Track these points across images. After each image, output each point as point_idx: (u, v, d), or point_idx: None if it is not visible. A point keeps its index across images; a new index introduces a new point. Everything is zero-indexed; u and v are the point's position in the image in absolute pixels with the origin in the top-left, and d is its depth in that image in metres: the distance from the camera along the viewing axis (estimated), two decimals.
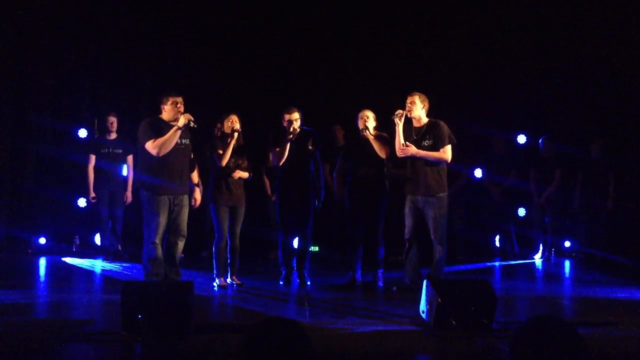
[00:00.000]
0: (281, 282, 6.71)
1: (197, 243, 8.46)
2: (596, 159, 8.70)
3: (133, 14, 9.05)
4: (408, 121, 6.26)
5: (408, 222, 6.31)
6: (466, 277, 7.39)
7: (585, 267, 8.35)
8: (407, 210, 6.32)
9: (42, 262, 8.31)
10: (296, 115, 6.53)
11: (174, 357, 4.24)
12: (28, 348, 4.25)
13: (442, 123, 6.23)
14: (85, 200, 8.71)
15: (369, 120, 6.54)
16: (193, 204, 6.31)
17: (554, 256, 8.91)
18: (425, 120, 6.29)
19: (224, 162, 6.35)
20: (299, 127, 6.58)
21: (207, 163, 6.65)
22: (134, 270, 7.39)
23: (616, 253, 8.30)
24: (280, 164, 6.55)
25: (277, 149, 6.53)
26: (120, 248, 8.42)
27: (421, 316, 4.91)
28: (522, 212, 9.04)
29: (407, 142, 6.19)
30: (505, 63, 9.20)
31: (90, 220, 8.85)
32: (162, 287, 5.00)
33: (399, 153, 6.22)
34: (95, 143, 8.51)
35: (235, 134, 6.36)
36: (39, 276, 7.68)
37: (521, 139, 9.30)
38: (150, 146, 5.79)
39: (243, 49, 9.23)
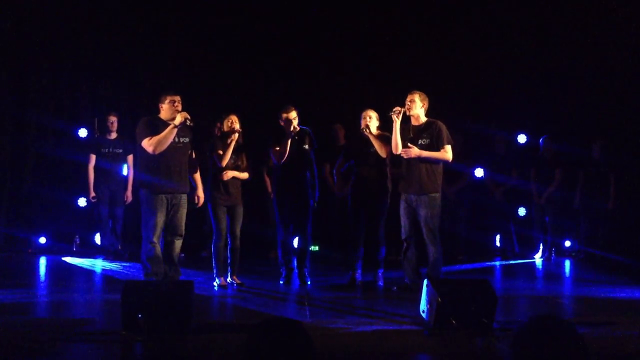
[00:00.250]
0: (281, 282, 6.71)
1: (197, 243, 8.47)
2: (597, 159, 8.70)
3: (134, 14, 9.05)
4: (406, 119, 6.27)
5: (404, 221, 6.32)
6: (466, 276, 7.39)
7: (586, 266, 8.35)
8: (402, 210, 6.33)
9: (42, 261, 8.31)
10: (294, 114, 6.53)
11: (174, 356, 4.24)
12: (28, 348, 4.25)
13: (440, 123, 6.24)
14: (85, 199, 8.71)
15: (372, 120, 6.54)
16: (196, 202, 6.30)
17: (554, 256, 8.91)
18: (423, 119, 6.30)
19: (224, 162, 6.34)
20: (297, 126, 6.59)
21: (207, 163, 6.65)
22: (134, 270, 7.39)
23: (616, 253, 8.30)
24: (282, 162, 6.55)
25: (277, 148, 6.54)
26: (120, 247, 8.42)
27: (421, 316, 4.91)
28: (522, 211, 9.03)
29: (408, 144, 6.19)
30: (505, 63, 9.19)
31: (90, 219, 8.86)
32: (162, 287, 5.00)
33: (402, 154, 6.21)
34: (95, 143, 8.51)
35: (235, 135, 6.35)
36: (39, 276, 7.68)
37: (521, 138, 9.29)
38: (147, 144, 5.81)
39: (243, 48, 9.22)
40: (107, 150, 8.34)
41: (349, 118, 7.35)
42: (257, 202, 8.20)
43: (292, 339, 2.20)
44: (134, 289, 4.69)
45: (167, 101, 5.97)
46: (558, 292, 6.97)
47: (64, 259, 8.35)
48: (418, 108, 6.24)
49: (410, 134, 6.26)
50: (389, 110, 6.20)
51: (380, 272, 6.68)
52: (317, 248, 8.79)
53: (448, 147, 6.19)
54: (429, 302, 4.76)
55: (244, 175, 6.53)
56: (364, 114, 6.57)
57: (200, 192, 6.35)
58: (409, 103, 6.22)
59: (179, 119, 5.81)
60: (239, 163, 6.48)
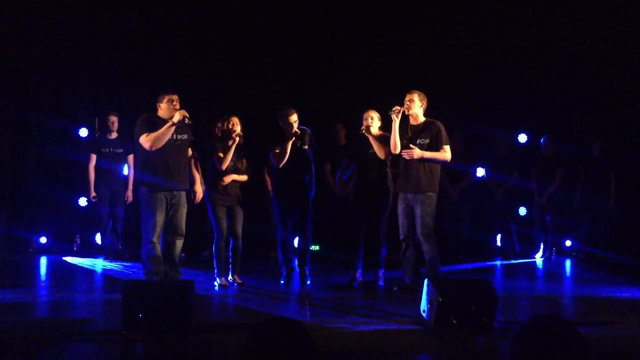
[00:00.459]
0: (282, 282, 6.71)
1: (198, 242, 8.47)
2: (597, 159, 8.70)
3: (134, 13, 9.04)
4: (405, 119, 6.27)
5: (402, 221, 6.33)
6: (467, 276, 7.39)
7: (586, 266, 8.35)
8: (400, 209, 6.34)
9: (43, 261, 8.31)
10: (294, 117, 6.54)
11: (174, 356, 4.24)
12: (29, 347, 4.25)
13: (439, 123, 6.25)
14: (86, 199, 8.71)
15: (374, 121, 6.53)
16: (193, 197, 6.29)
17: (555, 255, 8.92)
18: (422, 119, 6.30)
19: (224, 166, 6.34)
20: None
21: (207, 162, 6.64)
22: (135, 270, 7.39)
23: (617, 252, 8.30)
24: (280, 166, 6.55)
25: (277, 151, 6.54)
26: (120, 247, 8.43)
27: (422, 315, 4.91)
28: (523, 211, 9.03)
29: (410, 145, 6.19)
30: (506, 62, 9.19)
31: (91, 219, 8.86)
32: (163, 287, 5.00)
33: (404, 154, 6.21)
34: (96, 142, 8.51)
35: (236, 139, 6.34)
36: (39, 275, 7.68)
37: (522, 138, 9.29)
38: (144, 140, 5.82)
39: (243, 48, 9.22)
40: (107, 150, 8.34)
41: (350, 118, 7.35)
42: (258, 201, 8.20)
43: (293, 339, 2.20)
44: (135, 288, 4.69)
45: (165, 100, 5.98)
46: (559, 292, 6.97)
47: (64, 258, 8.35)
48: (417, 107, 6.24)
49: (409, 133, 6.26)
50: (389, 110, 6.20)
51: (380, 272, 6.68)
52: (317, 248, 8.79)
53: (447, 147, 6.22)
54: (429, 301, 4.76)
55: (243, 177, 6.52)
56: (365, 114, 6.57)
57: (198, 187, 6.34)
58: (408, 102, 6.23)
59: (177, 116, 5.82)
60: (239, 165, 6.48)
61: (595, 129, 8.97)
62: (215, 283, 6.46)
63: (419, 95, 6.25)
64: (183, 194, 6.05)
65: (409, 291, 6.16)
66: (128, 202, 8.32)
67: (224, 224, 6.41)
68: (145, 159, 5.93)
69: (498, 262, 8.55)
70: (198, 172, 6.46)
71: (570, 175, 8.82)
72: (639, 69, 8.62)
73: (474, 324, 4.63)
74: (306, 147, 6.64)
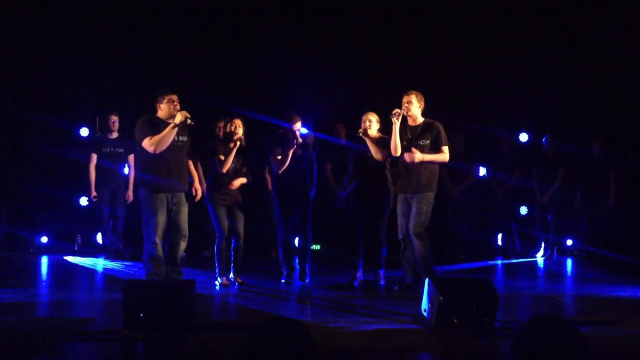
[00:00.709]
0: (283, 281, 6.72)
1: (199, 242, 8.47)
2: (596, 157, 8.70)
3: (135, 13, 9.04)
4: (403, 119, 6.27)
5: (400, 221, 6.34)
6: (468, 275, 7.39)
7: (587, 265, 8.34)
8: (399, 210, 6.34)
9: (44, 261, 8.32)
10: (299, 125, 6.56)
11: (175, 355, 4.24)
12: (30, 347, 4.25)
13: (438, 124, 6.26)
14: (86, 199, 8.71)
15: (372, 124, 6.52)
16: (194, 194, 6.28)
17: (556, 255, 8.91)
18: (421, 119, 6.30)
19: (225, 169, 6.33)
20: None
21: (208, 163, 6.64)
22: (136, 269, 7.39)
23: (618, 251, 8.30)
24: (281, 172, 6.55)
25: (279, 157, 6.54)
26: (121, 247, 8.43)
27: (423, 315, 4.91)
28: (524, 210, 9.03)
29: (411, 149, 6.18)
30: (506, 61, 9.19)
31: (91, 219, 8.86)
32: (164, 286, 5.00)
33: (406, 158, 6.21)
34: (96, 142, 8.51)
35: (238, 143, 6.33)
36: (40, 275, 7.69)
37: (523, 137, 9.29)
38: (147, 143, 5.80)
39: (244, 48, 9.22)
40: (108, 149, 8.34)
41: (351, 118, 7.35)
42: (258, 201, 8.20)
43: (294, 338, 2.20)
44: (136, 288, 4.69)
45: (165, 100, 5.96)
46: (560, 291, 6.96)
47: (65, 258, 8.36)
48: (415, 109, 6.26)
49: (408, 134, 6.26)
50: (390, 111, 6.20)
51: (381, 272, 6.68)
52: (318, 247, 8.79)
53: (446, 148, 6.24)
54: (430, 301, 4.76)
55: (243, 180, 6.52)
56: (364, 117, 6.56)
57: (197, 185, 6.33)
58: (406, 104, 6.24)
59: (179, 117, 5.80)
60: (239, 167, 6.47)
61: (595, 128, 8.97)
62: (217, 282, 6.46)
63: (416, 96, 6.25)
64: (184, 195, 6.05)
65: (410, 290, 6.16)
66: (129, 201, 8.31)
67: (225, 224, 6.41)
68: (146, 160, 5.91)
69: (499, 262, 8.54)
70: (197, 172, 6.45)
71: (571, 174, 8.82)
72: (639, 68, 8.62)
73: (475, 324, 4.63)
74: (306, 150, 6.65)
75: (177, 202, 5.98)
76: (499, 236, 9.05)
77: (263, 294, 6.23)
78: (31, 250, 8.83)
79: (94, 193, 8.31)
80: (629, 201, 8.63)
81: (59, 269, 7.86)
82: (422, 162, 6.18)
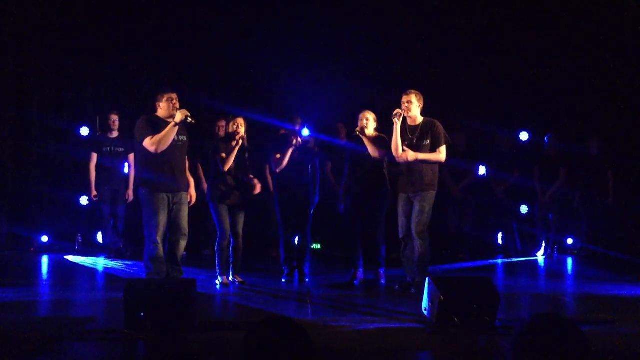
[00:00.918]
0: (283, 280, 6.72)
1: (200, 241, 8.47)
2: (594, 156, 8.71)
3: (136, 12, 9.05)
4: (402, 120, 6.25)
5: (401, 220, 6.32)
6: (469, 274, 7.39)
7: (588, 264, 8.34)
8: (400, 209, 6.33)
9: (45, 260, 8.32)
10: (297, 121, 6.56)
11: (176, 354, 4.23)
12: (31, 346, 4.25)
13: (438, 123, 6.25)
14: (87, 198, 8.71)
15: (369, 122, 6.52)
16: (188, 200, 6.29)
17: (557, 253, 8.91)
18: (420, 119, 6.29)
19: (227, 167, 6.33)
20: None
21: (209, 162, 6.64)
22: (136, 268, 7.40)
23: (619, 250, 8.30)
24: (279, 171, 6.55)
25: (278, 156, 6.54)
26: (122, 246, 8.43)
27: (423, 314, 4.91)
28: (524, 209, 9.03)
29: (404, 148, 6.18)
30: (507, 60, 9.18)
31: (92, 218, 8.87)
32: (165, 285, 5.00)
33: (397, 158, 6.20)
34: (97, 141, 8.51)
35: (240, 141, 6.33)
36: (41, 274, 7.69)
37: (524, 136, 9.28)
38: (148, 143, 5.79)
39: (245, 47, 9.22)
40: (108, 148, 8.34)
41: (352, 117, 7.36)
42: (259, 200, 8.20)
43: (290, 338, 2.20)
44: (137, 287, 4.69)
45: (164, 99, 5.95)
46: (560, 290, 6.96)
47: (66, 257, 8.36)
48: (415, 108, 6.25)
49: (409, 134, 6.25)
50: (389, 109, 6.19)
51: (382, 271, 6.68)
52: (319, 246, 8.79)
53: (443, 148, 6.23)
54: (431, 300, 4.76)
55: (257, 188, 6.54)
56: (361, 115, 6.56)
57: (192, 191, 6.34)
58: (406, 104, 6.22)
59: (179, 116, 5.79)
60: (242, 165, 6.47)
61: (595, 127, 8.98)
62: (217, 282, 6.47)
63: (416, 96, 6.24)
64: (184, 194, 6.05)
65: (411, 289, 6.15)
66: (129, 200, 8.31)
67: (227, 223, 6.41)
68: (146, 160, 5.91)
69: (500, 261, 8.54)
70: (194, 175, 6.45)
71: (571, 173, 8.82)
72: (638, 67, 8.63)
73: (476, 322, 4.63)
74: (308, 152, 6.65)
75: (178, 201, 5.98)
76: (500, 235, 9.05)
77: (264, 293, 6.23)
78: (32, 249, 8.84)
79: (94, 192, 8.32)
80: (627, 200, 8.63)
81: (60, 268, 7.86)
82: (424, 161, 6.17)
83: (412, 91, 6.25)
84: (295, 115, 6.68)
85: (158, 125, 5.85)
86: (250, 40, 9.20)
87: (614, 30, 8.73)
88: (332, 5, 9.16)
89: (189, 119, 5.82)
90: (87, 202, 8.79)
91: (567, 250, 9.06)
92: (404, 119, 6.27)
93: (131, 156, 8.23)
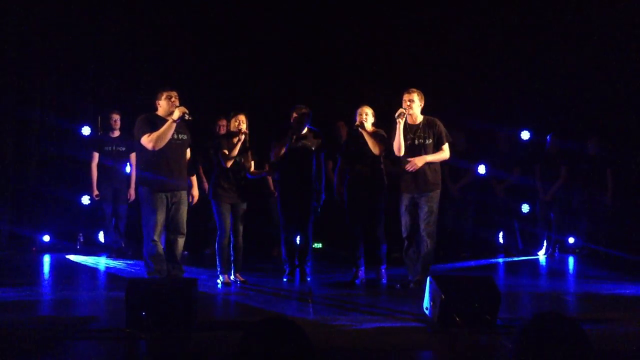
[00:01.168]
0: (285, 279, 6.72)
1: (200, 240, 8.48)
2: (593, 155, 8.71)
3: (137, 11, 9.05)
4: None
5: (405, 219, 6.32)
6: (470, 273, 7.39)
7: (590, 263, 8.34)
8: (403, 208, 6.33)
9: (46, 259, 8.33)
10: (304, 111, 6.55)
11: (177, 354, 4.24)
12: (32, 345, 4.25)
13: (439, 121, 6.25)
14: (88, 197, 8.72)
15: (368, 117, 6.52)
16: (190, 200, 6.30)
17: (558, 252, 8.91)
18: (420, 117, 6.29)
19: (229, 164, 6.33)
20: (307, 127, 6.60)
21: (210, 160, 6.64)
22: (138, 268, 7.40)
23: (620, 249, 8.29)
24: (275, 159, 6.57)
25: (278, 143, 6.54)
26: (123, 245, 8.44)
27: (425, 313, 4.91)
28: (525, 208, 9.02)
29: (408, 159, 6.16)
30: (508, 59, 9.18)
31: (93, 217, 8.88)
32: (166, 284, 5.00)
33: (408, 168, 6.19)
34: (98, 140, 8.52)
35: (242, 137, 6.34)
36: (43, 274, 7.69)
37: (525, 135, 9.28)
38: (146, 140, 5.80)
39: (245, 47, 9.22)
40: (110, 148, 8.35)
41: (352, 116, 7.36)
42: (260, 199, 8.21)
43: (287, 337, 2.20)
44: (138, 286, 4.69)
45: (163, 97, 5.96)
46: (562, 289, 6.95)
47: (67, 256, 8.37)
48: (417, 107, 6.25)
49: (409, 133, 6.24)
50: (390, 109, 6.19)
51: (383, 268, 6.67)
52: (320, 245, 8.79)
53: (446, 146, 6.26)
54: (432, 299, 4.76)
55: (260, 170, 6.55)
56: (359, 110, 6.55)
57: (195, 191, 6.34)
58: (408, 102, 6.22)
59: (177, 113, 5.79)
60: (244, 162, 6.48)
61: (593, 126, 8.98)
62: (218, 281, 6.47)
63: (418, 95, 6.24)
64: (184, 193, 6.05)
65: (412, 289, 6.15)
66: (130, 200, 8.32)
67: (228, 222, 6.41)
68: (146, 159, 5.91)
69: (501, 260, 8.54)
70: (196, 174, 6.44)
71: (572, 172, 8.82)
72: (637, 67, 8.63)
73: (477, 322, 4.63)
74: (313, 147, 6.64)
75: (177, 200, 5.98)
76: (501, 234, 9.04)
77: (265, 292, 6.23)
78: (33, 249, 8.85)
79: (96, 192, 8.33)
80: (626, 198, 8.63)
81: (61, 267, 7.87)
82: (427, 162, 6.19)
83: (415, 90, 6.25)
84: (302, 105, 6.67)
85: (157, 124, 5.85)
86: (250, 39, 9.20)
87: (615, 27, 8.73)
88: (333, 3, 9.16)
89: (187, 116, 5.82)
90: (89, 202, 8.80)
91: (568, 249, 9.05)
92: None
93: (133, 155, 8.23)
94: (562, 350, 2.16)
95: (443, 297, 4.60)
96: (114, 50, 9.16)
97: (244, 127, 6.38)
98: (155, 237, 5.87)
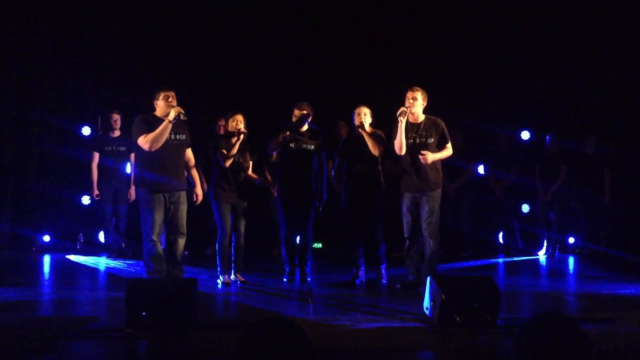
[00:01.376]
0: (285, 279, 6.72)
1: (201, 240, 8.48)
2: (590, 155, 8.71)
3: (137, 11, 9.05)
4: None
5: (407, 219, 6.30)
6: (470, 273, 7.39)
7: (590, 263, 8.34)
8: (404, 208, 6.31)
9: (47, 259, 8.33)
10: (305, 110, 6.55)
11: (177, 354, 4.24)
12: (32, 345, 4.26)
13: (440, 120, 6.25)
14: (89, 197, 8.72)
15: (366, 117, 6.51)
16: (195, 199, 6.30)
17: (558, 252, 8.91)
18: (422, 116, 6.27)
19: (228, 163, 6.33)
20: (308, 125, 6.60)
21: (209, 160, 6.65)
22: (138, 268, 7.40)
23: (620, 249, 8.30)
24: (270, 152, 6.60)
25: (274, 138, 6.55)
26: (124, 245, 8.44)
27: (425, 313, 4.91)
28: (525, 208, 9.02)
29: (422, 152, 6.14)
30: (508, 59, 9.18)
31: (94, 217, 8.87)
32: (166, 284, 5.00)
33: (422, 161, 6.17)
34: (98, 141, 8.52)
35: (241, 136, 6.34)
36: (43, 274, 7.70)
37: (525, 135, 9.28)
38: (143, 141, 5.80)
39: (245, 47, 9.22)
40: (110, 148, 8.35)
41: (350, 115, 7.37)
42: (260, 199, 8.21)
43: (286, 338, 2.19)
44: (138, 286, 4.69)
45: (161, 97, 5.95)
46: (562, 289, 6.96)
47: (68, 257, 8.37)
48: (419, 106, 6.23)
49: (411, 132, 6.23)
50: (390, 108, 6.18)
51: (383, 268, 6.67)
52: (320, 245, 8.79)
53: (449, 145, 6.25)
54: (432, 299, 4.76)
55: (254, 176, 6.56)
56: (357, 110, 6.54)
57: (199, 190, 6.34)
58: (411, 100, 6.19)
59: (172, 114, 5.79)
60: (243, 162, 6.48)
61: (593, 125, 8.98)
62: (219, 281, 6.47)
63: (421, 93, 6.21)
64: (182, 193, 6.04)
65: (412, 289, 6.15)
66: (131, 200, 8.32)
67: (229, 222, 6.42)
68: (143, 160, 5.91)
69: (501, 260, 8.54)
70: (196, 172, 6.45)
71: (572, 171, 8.82)
72: (637, 66, 8.63)
73: (477, 321, 4.63)
74: (312, 147, 6.63)
75: (175, 200, 5.98)
76: (501, 234, 9.04)
77: (265, 292, 6.23)
78: (34, 249, 8.84)
79: (96, 192, 8.33)
80: (623, 198, 8.63)
81: (62, 267, 7.87)
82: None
83: (418, 88, 6.22)
84: (304, 102, 6.67)
85: (154, 124, 5.85)
86: (250, 39, 9.19)
87: (614, 27, 8.73)
88: (333, 3, 9.16)
89: (182, 116, 5.82)
90: (89, 202, 8.80)
91: (568, 249, 9.05)
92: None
93: (133, 155, 8.23)
94: (562, 350, 2.16)
95: (443, 297, 4.60)
96: (114, 50, 9.16)
97: (242, 126, 6.39)
98: (154, 237, 5.86)
